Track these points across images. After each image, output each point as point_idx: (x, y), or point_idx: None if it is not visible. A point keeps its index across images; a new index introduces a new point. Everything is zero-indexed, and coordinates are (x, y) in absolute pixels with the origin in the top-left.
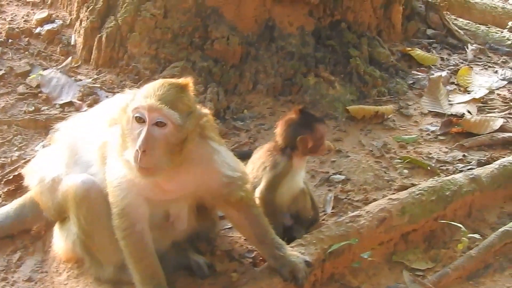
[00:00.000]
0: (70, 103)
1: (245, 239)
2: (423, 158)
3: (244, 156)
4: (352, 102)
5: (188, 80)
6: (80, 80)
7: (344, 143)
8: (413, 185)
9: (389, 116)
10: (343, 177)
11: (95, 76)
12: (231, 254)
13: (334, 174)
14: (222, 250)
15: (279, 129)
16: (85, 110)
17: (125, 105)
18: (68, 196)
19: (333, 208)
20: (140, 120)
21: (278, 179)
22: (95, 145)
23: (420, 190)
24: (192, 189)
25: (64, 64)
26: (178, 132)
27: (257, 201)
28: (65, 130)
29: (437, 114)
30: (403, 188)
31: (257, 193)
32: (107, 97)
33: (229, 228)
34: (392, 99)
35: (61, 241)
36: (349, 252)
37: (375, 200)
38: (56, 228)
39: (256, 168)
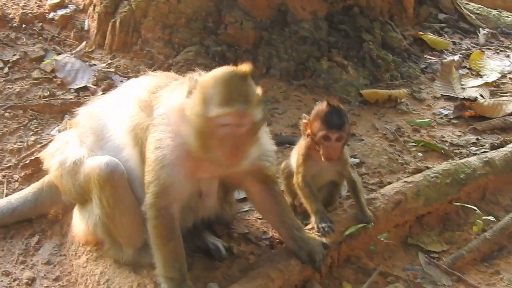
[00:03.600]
0: (85, 88)
1: (262, 220)
2: (436, 141)
3: (283, 142)
4: (365, 86)
5: (249, 67)
6: (94, 65)
7: (358, 127)
8: (428, 168)
9: (402, 100)
10: (357, 160)
11: (109, 61)
12: (247, 236)
13: (350, 157)
14: (239, 233)
15: None
16: (100, 95)
17: (198, 109)
18: (91, 178)
19: (348, 191)
20: (225, 124)
21: (301, 160)
22: (125, 128)
23: (434, 173)
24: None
25: (78, 49)
26: (258, 125)
27: (296, 185)
28: (86, 113)
29: (449, 98)
30: (418, 171)
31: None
32: (121, 81)
33: (245, 211)
34: (405, 83)
35: (81, 224)
36: (365, 234)
37: (389, 183)
38: (76, 211)
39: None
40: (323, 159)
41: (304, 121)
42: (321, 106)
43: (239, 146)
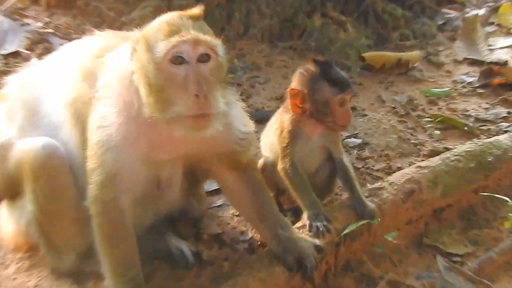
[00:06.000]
0: (16, 54)
1: (239, 218)
2: (458, 116)
3: (265, 119)
4: (368, 48)
5: (200, 9)
6: (28, 24)
7: (359, 99)
8: (447, 149)
9: (415, 65)
10: (359, 140)
11: (47, 20)
12: (221, 238)
13: (349, 137)
14: (210, 234)
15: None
16: (35, 62)
17: (145, 59)
18: (24, 165)
19: None
20: (178, 61)
21: (288, 138)
22: (64, 102)
23: (455, 155)
24: (202, 145)
25: (7, 4)
26: (221, 65)
27: (281, 173)
28: (16, 84)
29: (474, 62)
30: (435, 153)
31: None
32: (61, 45)
33: (217, 206)
34: (418, 43)
35: (10, 224)
36: (368, 233)
37: (399, 168)
38: (4, 208)
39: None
40: (338, 130)
41: (294, 92)
42: (310, 69)
43: (203, 88)
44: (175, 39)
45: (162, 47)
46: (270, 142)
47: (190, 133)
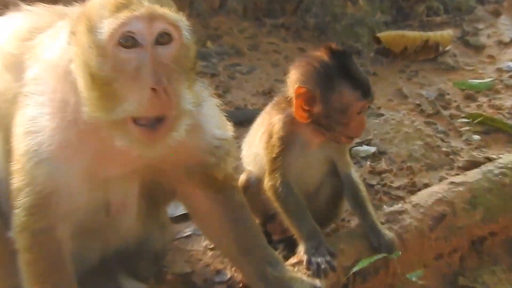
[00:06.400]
0: None
1: (214, 252)
2: (503, 115)
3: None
4: (385, 27)
5: None
6: None
7: (374, 93)
8: (489, 159)
9: (446, 48)
10: (373, 149)
11: None
12: (190, 279)
13: (359, 144)
14: (176, 274)
15: (292, 75)
16: None
17: (85, 42)
18: None
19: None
20: (129, 43)
21: (278, 147)
22: None
23: (500, 168)
24: (164, 156)
25: None
26: (188, 49)
27: (270, 193)
28: None
29: None
30: (473, 165)
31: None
32: None
33: (186, 237)
34: (452, 20)
35: None
36: (386, 271)
37: (426, 186)
38: None
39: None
40: (343, 142)
41: (301, 90)
42: (323, 60)
43: (163, 79)
44: (124, 14)
45: (107, 25)
46: (254, 151)
47: (136, 148)
